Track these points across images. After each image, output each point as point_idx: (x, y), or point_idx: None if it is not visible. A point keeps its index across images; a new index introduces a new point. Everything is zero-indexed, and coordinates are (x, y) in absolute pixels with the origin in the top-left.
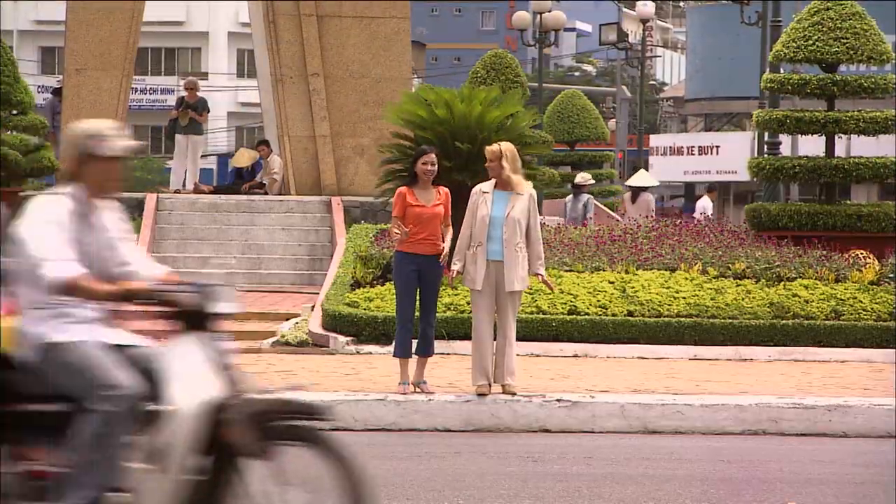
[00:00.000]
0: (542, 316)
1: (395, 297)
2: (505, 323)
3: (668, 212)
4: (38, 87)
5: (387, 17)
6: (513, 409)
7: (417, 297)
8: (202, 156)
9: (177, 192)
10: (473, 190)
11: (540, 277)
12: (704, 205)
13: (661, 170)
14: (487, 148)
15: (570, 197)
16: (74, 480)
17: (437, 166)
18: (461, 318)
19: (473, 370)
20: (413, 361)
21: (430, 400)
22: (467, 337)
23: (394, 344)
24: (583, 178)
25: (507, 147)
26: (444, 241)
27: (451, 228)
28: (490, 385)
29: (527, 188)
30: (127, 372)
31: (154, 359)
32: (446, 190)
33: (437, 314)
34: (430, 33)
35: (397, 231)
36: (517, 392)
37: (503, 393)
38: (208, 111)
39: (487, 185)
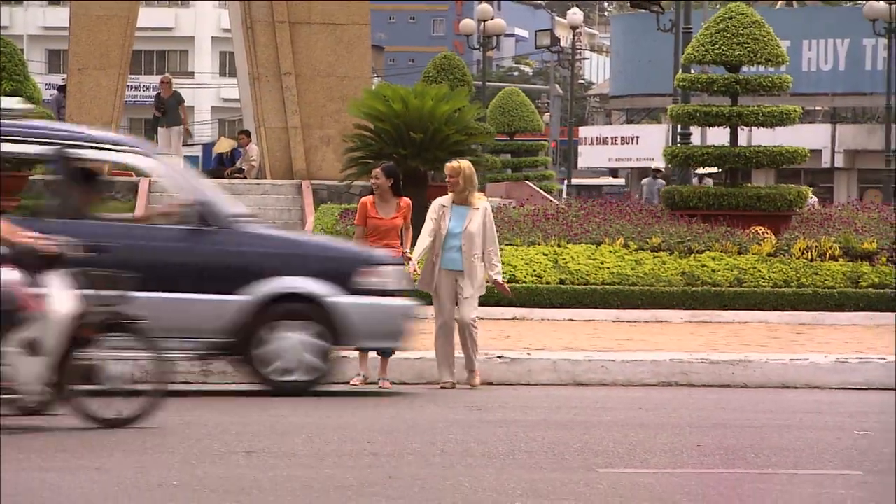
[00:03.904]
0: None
1: None
2: (464, 325)
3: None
4: (46, 84)
5: (350, 24)
6: (459, 366)
7: None
8: (187, 144)
9: None
10: (433, 203)
11: (496, 283)
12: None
13: (589, 157)
14: (448, 164)
15: (648, 179)
16: None
17: (381, 179)
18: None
19: (439, 368)
20: (373, 357)
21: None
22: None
23: None
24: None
25: (466, 165)
26: (405, 245)
27: (409, 230)
28: (454, 382)
29: (481, 202)
30: None
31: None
32: (408, 201)
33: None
34: (388, 37)
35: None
36: (479, 386)
37: (470, 387)
38: (183, 102)
39: (446, 199)
